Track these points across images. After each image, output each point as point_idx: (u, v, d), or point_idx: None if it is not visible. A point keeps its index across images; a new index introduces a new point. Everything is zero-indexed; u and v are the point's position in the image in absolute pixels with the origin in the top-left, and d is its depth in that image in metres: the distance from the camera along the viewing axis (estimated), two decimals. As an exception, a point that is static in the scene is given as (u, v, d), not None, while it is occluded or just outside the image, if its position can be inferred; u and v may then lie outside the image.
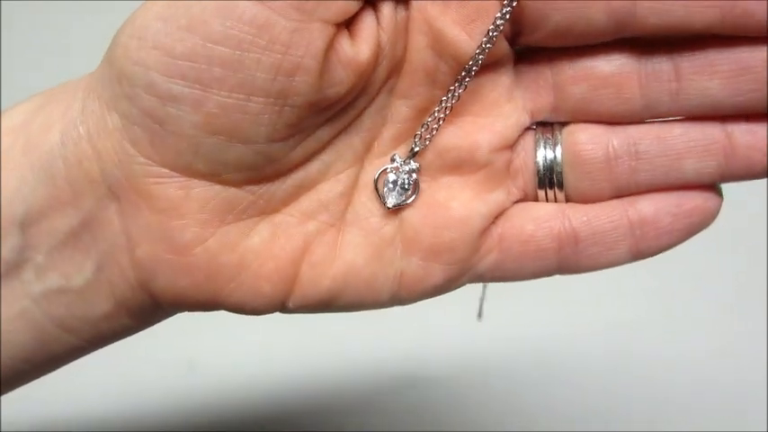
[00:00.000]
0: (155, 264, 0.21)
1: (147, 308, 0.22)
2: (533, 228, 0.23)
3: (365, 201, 0.23)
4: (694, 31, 0.20)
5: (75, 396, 0.43)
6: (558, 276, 0.23)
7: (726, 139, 0.22)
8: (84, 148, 0.21)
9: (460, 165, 0.23)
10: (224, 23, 0.19)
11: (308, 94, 0.20)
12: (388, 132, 0.22)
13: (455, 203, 0.22)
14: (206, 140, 0.20)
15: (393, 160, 0.22)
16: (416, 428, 0.42)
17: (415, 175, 0.22)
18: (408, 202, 0.22)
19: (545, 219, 0.23)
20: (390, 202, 0.22)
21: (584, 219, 0.22)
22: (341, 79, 0.20)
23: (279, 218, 0.22)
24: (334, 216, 0.22)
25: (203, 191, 0.21)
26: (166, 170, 0.20)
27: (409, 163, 0.22)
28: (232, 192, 0.21)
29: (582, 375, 0.43)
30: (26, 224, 0.22)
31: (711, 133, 0.22)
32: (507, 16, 0.20)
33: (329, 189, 0.22)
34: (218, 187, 0.21)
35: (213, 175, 0.21)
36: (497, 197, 0.23)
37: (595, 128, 0.22)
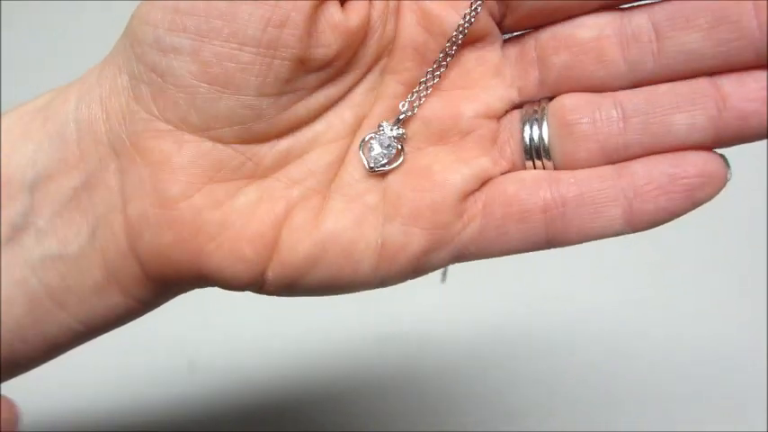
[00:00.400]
0: (142, 219, 0.22)
1: (136, 280, 0.23)
2: (517, 188, 0.22)
3: (352, 170, 0.23)
4: None
5: (78, 395, 0.43)
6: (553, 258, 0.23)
7: (715, 91, 0.21)
8: (95, 110, 0.23)
9: (445, 133, 0.23)
10: None
11: (296, 49, 0.21)
12: (379, 108, 0.23)
13: (437, 167, 0.23)
14: (200, 90, 0.21)
15: (380, 126, 0.23)
16: (418, 430, 0.42)
17: (398, 142, 0.23)
18: (391, 167, 0.23)
19: (531, 181, 0.22)
20: (372, 163, 0.23)
21: (572, 180, 0.22)
22: (328, 41, 0.21)
23: (267, 183, 0.23)
24: (321, 183, 0.23)
25: (195, 146, 0.22)
26: (163, 123, 0.22)
27: (395, 129, 0.23)
28: (222, 150, 0.22)
29: (578, 357, 0.43)
30: (34, 187, 0.23)
31: (699, 86, 0.21)
32: None
33: (318, 158, 0.23)
34: (209, 144, 0.22)
35: (206, 129, 0.22)
36: (481, 162, 0.23)
37: (581, 95, 0.22)
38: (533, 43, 0.23)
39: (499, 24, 0.23)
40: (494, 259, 0.23)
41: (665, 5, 0.21)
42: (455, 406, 0.42)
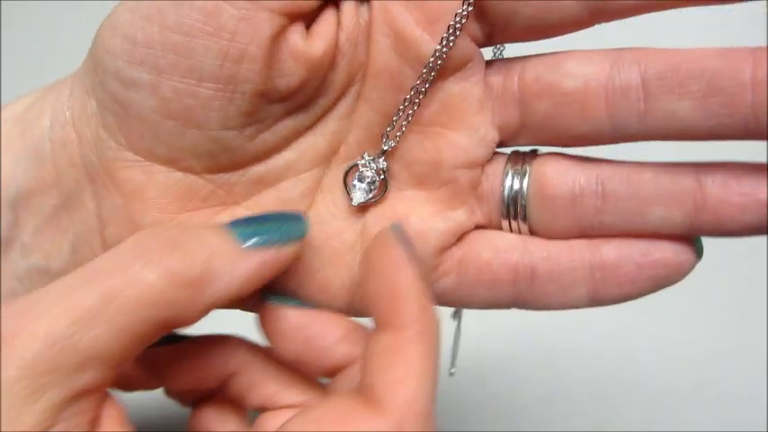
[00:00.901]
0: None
1: None
2: (491, 256, 0.22)
3: (329, 204, 0.23)
4: (668, 6, 0.19)
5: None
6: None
7: (697, 189, 0.20)
8: (69, 132, 0.22)
9: (425, 179, 0.22)
10: (177, 12, 0.19)
11: (257, 82, 0.20)
12: (354, 137, 0.22)
13: (414, 218, 0.22)
14: (163, 124, 0.20)
15: (362, 159, 0.22)
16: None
17: (383, 174, 0.22)
18: (375, 200, 0.22)
19: (504, 249, 0.22)
20: (356, 198, 0.22)
21: (545, 255, 0.22)
22: (291, 71, 0.20)
23: (239, 210, 0.22)
24: None
25: (164, 176, 0.21)
26: (131, 154, 0.21)
27: (378, 161, 0.22)
28: (192, 179, 0.22)
29: (576, 359, 0.43)
30: (17, 203, 0.23)
31: (683, 181, 0.20)
32: (467, 12, 0.20)
33: (291, 188, 0.22)
34: (178, 174, 0.22)
35: (173, 161, 0.21)
36: (458, 216, 0.22)
37: (565, 162, 0.22)
38: (517, 80, 0.21)
39: (484, 43, 0.21)
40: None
41: (660, 60, 0.20)
42: (455, 412, 0.42)
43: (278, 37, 0.20)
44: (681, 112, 0.20)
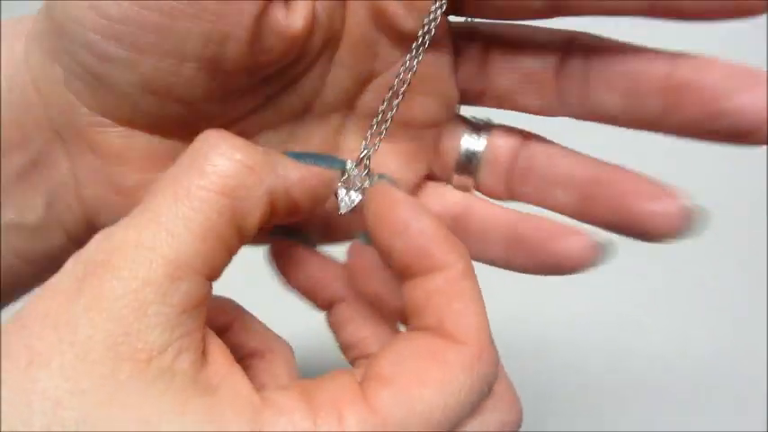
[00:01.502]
0: (100, 203, 0.23)
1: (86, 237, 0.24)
2: (440, 209, 0.25)
3: None
4: (624, 13, 0.20)
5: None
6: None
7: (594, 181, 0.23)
8: (31, 95, 0.22)
9: (395, 135, 0.24)
10: None
11: (240, 61, 0.20)
12: (327, 97, 0.23)
13: (389, 168, 0.24)
14: (143, 98, 0.20)
15: (344, 172, 0.23)
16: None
17: (366, 183, 0.23)
18: (356, 203, 0.23)
19: (452, 203, 0.25)
20: (344, 207, 0.23)
21: (482, 213, 0.24)
22: (272, 47, 0.21)
23: None
24: None
25: (145, 140, 0.22)
26: (108, 120, 0.21)
27: (360, 170, 0.23)
28: (172, 143, 0.22)
29: (573, 356, 0.43)
30: None
31: (583, 171, 0.23)
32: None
33: (266, 140, 0.23)
34: (158, 138, 0.22)
35: (153, 128, 0.22)
36: (421, 169, 0.25)
37: (514, 137, 0.24)
38: (483, 57, 0.23)
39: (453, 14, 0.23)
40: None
41: (598, 57, 0.22)
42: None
43: (261, 16, 0.20)
44: (608, 103, 0.22)
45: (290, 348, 0.24)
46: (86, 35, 0.20)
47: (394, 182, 0.22)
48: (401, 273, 0.21)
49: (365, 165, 0.23)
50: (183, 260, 0.18)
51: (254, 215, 0.20)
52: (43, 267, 0.24)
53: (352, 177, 0.23)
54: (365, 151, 0.23)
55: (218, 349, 0.19)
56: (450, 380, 0.19)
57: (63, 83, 0.21)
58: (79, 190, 0.23)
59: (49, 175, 0.23)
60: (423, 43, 0.21)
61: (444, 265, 0.20)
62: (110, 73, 0.20)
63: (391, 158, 0.24)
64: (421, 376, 0.19)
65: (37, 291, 0.18)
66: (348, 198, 0.23)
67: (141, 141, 0.22)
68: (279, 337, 0.24)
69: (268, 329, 0.24)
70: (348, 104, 0.24)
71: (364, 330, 0.24)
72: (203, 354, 0.19)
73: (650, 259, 0.46)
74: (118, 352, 0.17)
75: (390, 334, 0.24)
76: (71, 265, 0.18)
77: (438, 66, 0.23)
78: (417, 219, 0.20)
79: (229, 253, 0.19)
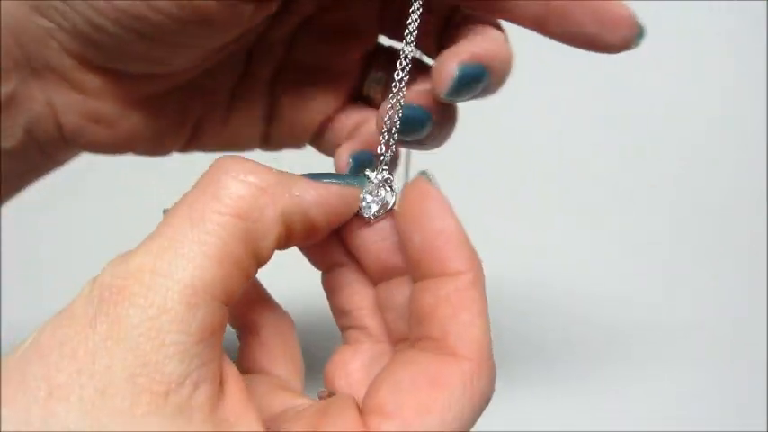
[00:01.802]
0: (78, 129, 0.25)
1: (69, 155, 0.28)
2: None
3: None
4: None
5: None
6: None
7: None
8: (7, 41, 0.24)
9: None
10: None
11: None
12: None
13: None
14: (120, 40, 0.23)
15: (365, 176, 0.23)
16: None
17: (386, 185, 0.23)
18: (388, 209, 0.23)
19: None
20: (368, 213, 0.22)
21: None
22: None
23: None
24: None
25: (114, 77, 0.24)
26: (77, 63, 0.24)
27: (379, 174, 0.23)
28: (146, 81, 0.25)
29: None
30: None
31: None
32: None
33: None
34: (127, 76, 0.24)
35: (118, 63, 0.24)
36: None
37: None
38: None
39: None
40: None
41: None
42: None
43: None
44: None
45: (290, 320, 0.24)
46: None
47: (431, 178, 0.21)
48: (413, 269, 0.21)
49: (383, 167, 0.23)
50: (199, 286, 0.18)
51: (269, 237, 0.20)
52: (20, 186, 0.27)
53: (374, 184, 0.23)
54: (383, 156, 0.23)
55: (233, 380, 0.19)
56: (451, 405, 0.19)
57: (43, 30, 0.23)
58: (58, 118, 0.25)
59: (26, 105, 0.25)
60: (411, 32, 0.22)
61: (455, 272, 0.20)
62: (100, 38, 0.23)
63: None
64: (422, 406, 0.19)
65: (54, 316, 0.18)
66: (371, 203, 0.22)
67: (110, 79, 0.24)
68: (277, 308, 0.24)
69: (268, 298, 0.24)
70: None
71: (359, 300, 0.24)
72: (220, 384, 0.18)
73: (650, 250, 0.46)
74: (136, 384, 0.17)
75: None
76: (87, 290, 0.18)
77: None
78: (441, 218, 0.20)
79: (246, 277, 0.19)
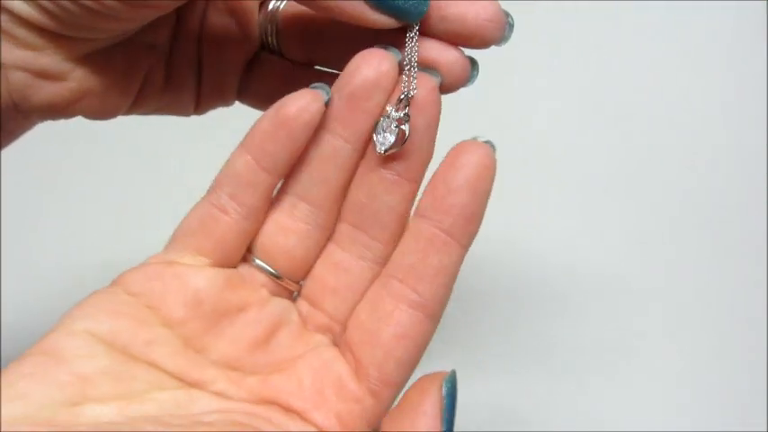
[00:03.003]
0: (30, 87, 0.25)
1: (16, 124, 0.27)
2: None
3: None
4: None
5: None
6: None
7: None
8: None
9: None
10: None
11: None
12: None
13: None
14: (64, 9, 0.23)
15: (386, 110, 0.23)
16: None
17: (402, 123, 0.23)
18: (398, 148, 0.23)
19: None
20: (381, 147, 0.23)
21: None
22: None
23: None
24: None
25: (61, 36, 0.24)
26: (25, 24, 0.24)
27: (399, 112, 0.23)
28: (85, 39, 0.25)
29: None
30: None
31: None
32: None
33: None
34: (73, 38, 0.25)
35: (68, 31, 0.24)
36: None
37: None
38: None
39: None
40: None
41: None
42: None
43: None
44: None
45: None
46: None
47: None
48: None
49: (404, 105, 0.23)
50: None
51: None
52: None
53: (390, 118, 0.23)
54: (404, 94, 0.23)
55: None
56: None
57: None
58: (6, 75, 0.25)
59: None
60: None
61: None
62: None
63: None
64: None
65: None
66: (384, 138, 0.23)
67: (63, 39, 0.25)
68: None
69: None
70: None
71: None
72: None
73: (650, 249, 0.46)
74: None
75: None
76: None
77: None
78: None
79: None
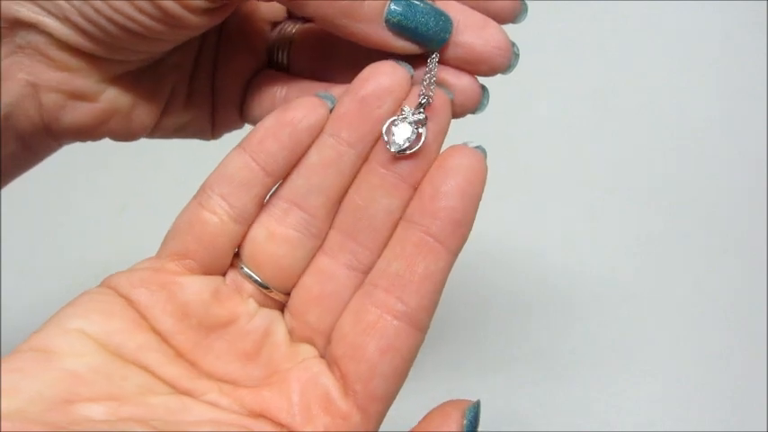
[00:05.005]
0: (62, 108, 0.25)
1: (45, 146, 0.27)
2: None
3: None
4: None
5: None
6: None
7: None
8: None
9: None
10: None
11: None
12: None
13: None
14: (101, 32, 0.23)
15: (402, 111, 0.23)
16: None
17: (419, 126, 0.23)
18: (412, 150, 0.23)
19: None
20: (394, 147, 0.23)
21: None
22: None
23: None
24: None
25: (95, 59, 0.25)
26: (60, 46, 0.24)
27: (416, 114, 0.23)
28: (121, 60, 0.25)
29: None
30: None
31: None
32: None
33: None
34: (110, 59, 0.25)
35: (103, 53, 0.25)
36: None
37: None
38: None
39: None
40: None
41: None
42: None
43: None
44: None
45: None
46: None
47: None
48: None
49: (421, 109, 0.23)
50: None
51: None
52: None
53: (407, 119, 0.23)
54: (422, 99, 0.23)
55: None
56: None
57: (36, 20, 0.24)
58: (39, 97, 0.25)
59: (8, 86, 0.25)
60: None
61: None
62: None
63: None
64: None
65: None
66: (400, 138, 0.23)
67: (92, 60, 0.25)
68: None
69: None
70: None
71: None
72: None
73: (651, 247, 0.46)
74: None
75: None
76: None
77: None
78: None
79: None
